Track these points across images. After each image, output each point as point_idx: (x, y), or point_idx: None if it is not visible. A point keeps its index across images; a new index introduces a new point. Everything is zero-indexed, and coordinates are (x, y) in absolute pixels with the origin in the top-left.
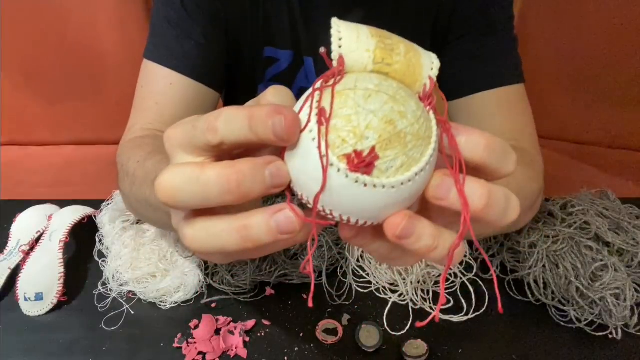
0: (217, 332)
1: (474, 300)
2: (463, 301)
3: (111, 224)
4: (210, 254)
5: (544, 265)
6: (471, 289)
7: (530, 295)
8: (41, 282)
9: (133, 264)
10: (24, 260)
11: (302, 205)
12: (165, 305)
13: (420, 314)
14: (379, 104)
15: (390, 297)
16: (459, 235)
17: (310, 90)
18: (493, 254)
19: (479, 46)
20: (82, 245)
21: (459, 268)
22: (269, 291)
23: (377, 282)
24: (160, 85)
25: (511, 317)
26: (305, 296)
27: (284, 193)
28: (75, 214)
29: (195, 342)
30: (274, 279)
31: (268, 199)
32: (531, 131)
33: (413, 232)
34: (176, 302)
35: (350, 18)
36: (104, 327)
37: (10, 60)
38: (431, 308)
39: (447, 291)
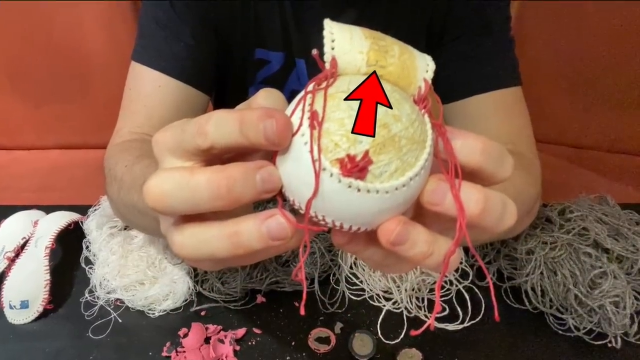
0: (207, 340)
1: (469, 308)
2: (459, 309)
3: (98, 230)
4: (200, 261)
5: (541, 273)
6: (467, 297)
7: (527, 303)
8: (27, 290)
9: (121, 271)
10: (9, 267)
11: (294, 211)
12: (153, 313)
13: (415, 322)
14: None
15: (384, 305)
16: (454, 241)
17: (302, 93)
18: (489, 261)
19: (475, 47)
20: (68, 251)
21: (454, 275)
22: (259, 299)
23: (371, 290)
24: (149, 88)
25: (508, 325)
26: (297, 304)
27: (276, 198)
28: (61, 219)
29: (184, 351)
30: (265, 287)
31: (259, 205)
32: (528, 135)
33: (407, 239)
34: (165, 310)
35: (343, 19)
36: (91, 335)
37: None
38: (426, 316)
39: (442, 299)
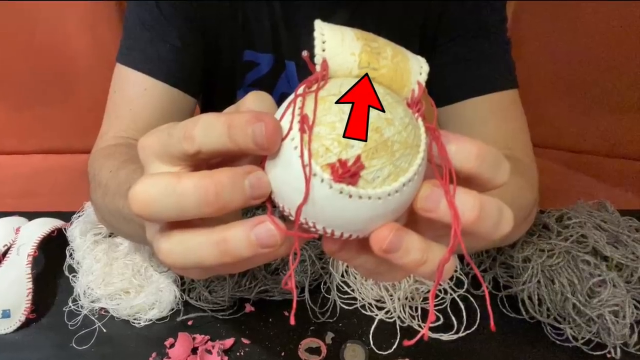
0: (194, 351)
1: (464, 318)
2: (453, 318)
3: (82, 237)
4: (187, 269)
5: (538, 281)
6: (462, 306)
7: (524, 313)
8: (8, 299)
9: (105, 279)
10: None
11: (284, 217)
12: (139, 323)
13: (408, 332)
14: None
15: (376, 314)
16: (449, 249)
17: (292, 96)
18: (485, 269)
19: (470, 49)
20: (51, 259)
21: (449, 284)
22: (248, 308)
23: (363, 299)
24: (134, 91)
25: (504, 335)
26: (286, 313)
27: (265, 204)
28: (44, 226)
29: None
30: (254, 295)
31: (248, 211)
32: (525, 139)
33: (400, 246)
34: (151, 320)
35: (334, 20)
36: (74, 345)
37: None
38: (420, 326)
39: (436, 308)
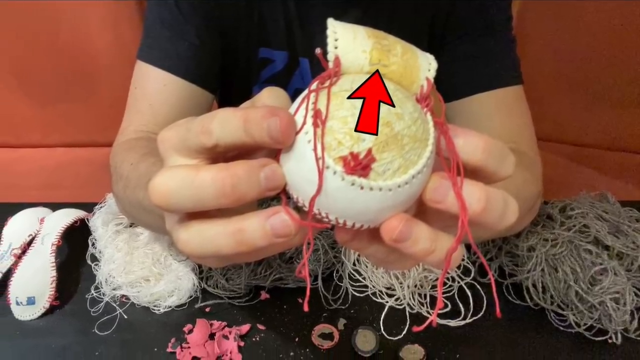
0: (212, 336)
1: (471, 305)
2: (461, 305)
3: (104, 227)
4: (205, 258)
5: (542, 269)
6: (469, 293)
7: (528, 300)
8: (33, 286)
9: (126, 268)
10: (15, 264)
11: (298, 208)
12: (158, 310)
13: (418, 318)
14: None
15: (387, 302)
16: (456, 238)
17: (306, 92)
18: (491, 258)
19: (477, 47)
20: (74, 248)
21: (456, 272)
22: (264, 295)
23: (374, 286)
24: (154, 87)
25: (509, 321)
26: (300, 300)
27: (280, 196)
28: (67, 217)
29: (189, 347)
30: (269, 283)
31: (263, 202)
32: (530, 133)
33: (410, 236)
34: (170, 307)
35: (346, 18)
36: (96, 331)
37: (0, 61)
38: (428, 312)
39: (444, 295)
